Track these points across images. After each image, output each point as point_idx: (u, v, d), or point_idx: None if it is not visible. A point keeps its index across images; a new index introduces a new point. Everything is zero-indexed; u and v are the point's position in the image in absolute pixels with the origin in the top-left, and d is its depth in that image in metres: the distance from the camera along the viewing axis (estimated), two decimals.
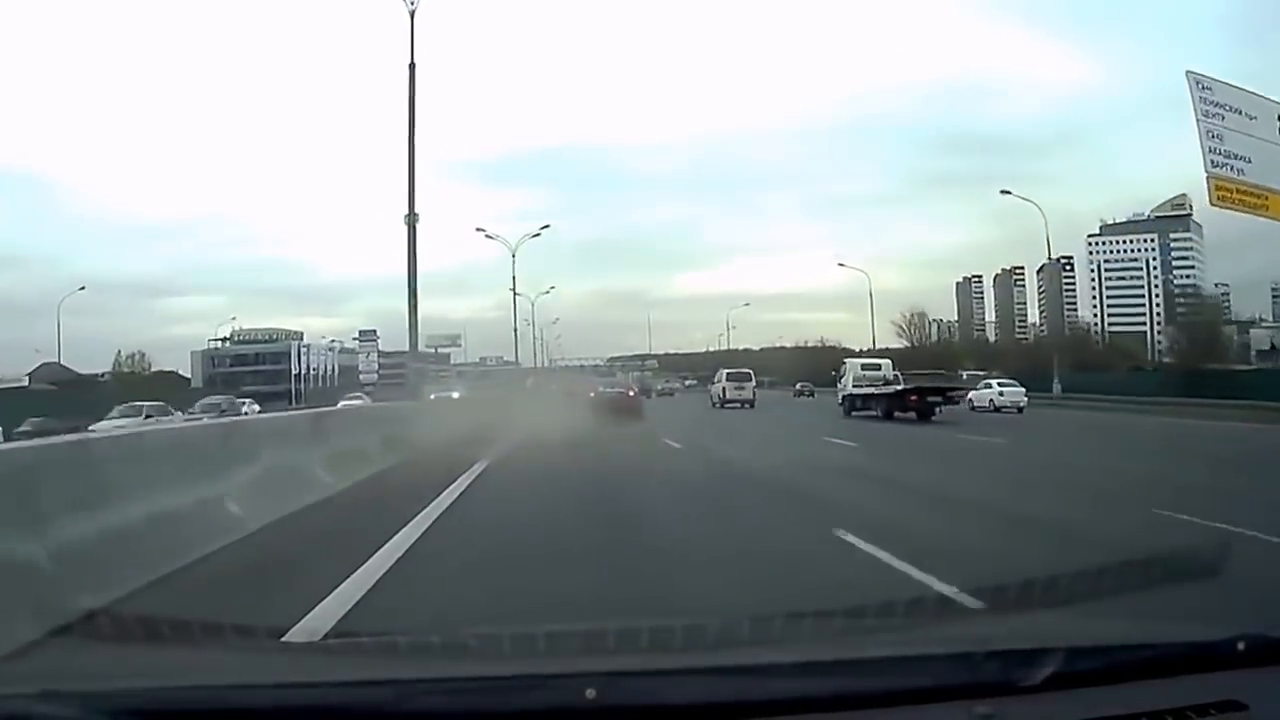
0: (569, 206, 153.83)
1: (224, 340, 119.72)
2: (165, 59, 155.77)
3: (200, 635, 2.43)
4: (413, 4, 22.78)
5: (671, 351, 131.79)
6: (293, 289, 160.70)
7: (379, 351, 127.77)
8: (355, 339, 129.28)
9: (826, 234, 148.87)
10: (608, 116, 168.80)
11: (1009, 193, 47.25)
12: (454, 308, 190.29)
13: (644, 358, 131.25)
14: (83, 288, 71.05)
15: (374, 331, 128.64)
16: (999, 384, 35.07)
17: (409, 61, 22.51)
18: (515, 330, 59.02)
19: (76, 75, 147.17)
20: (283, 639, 3.40)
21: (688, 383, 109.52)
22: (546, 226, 50.46)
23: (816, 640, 2.32)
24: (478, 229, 49.83)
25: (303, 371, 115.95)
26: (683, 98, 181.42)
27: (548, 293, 64.21)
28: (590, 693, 1.59)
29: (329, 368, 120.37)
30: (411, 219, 22.31)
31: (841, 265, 74.47)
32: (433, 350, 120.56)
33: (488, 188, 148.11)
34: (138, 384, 66.50)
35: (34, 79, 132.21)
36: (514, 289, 49.08)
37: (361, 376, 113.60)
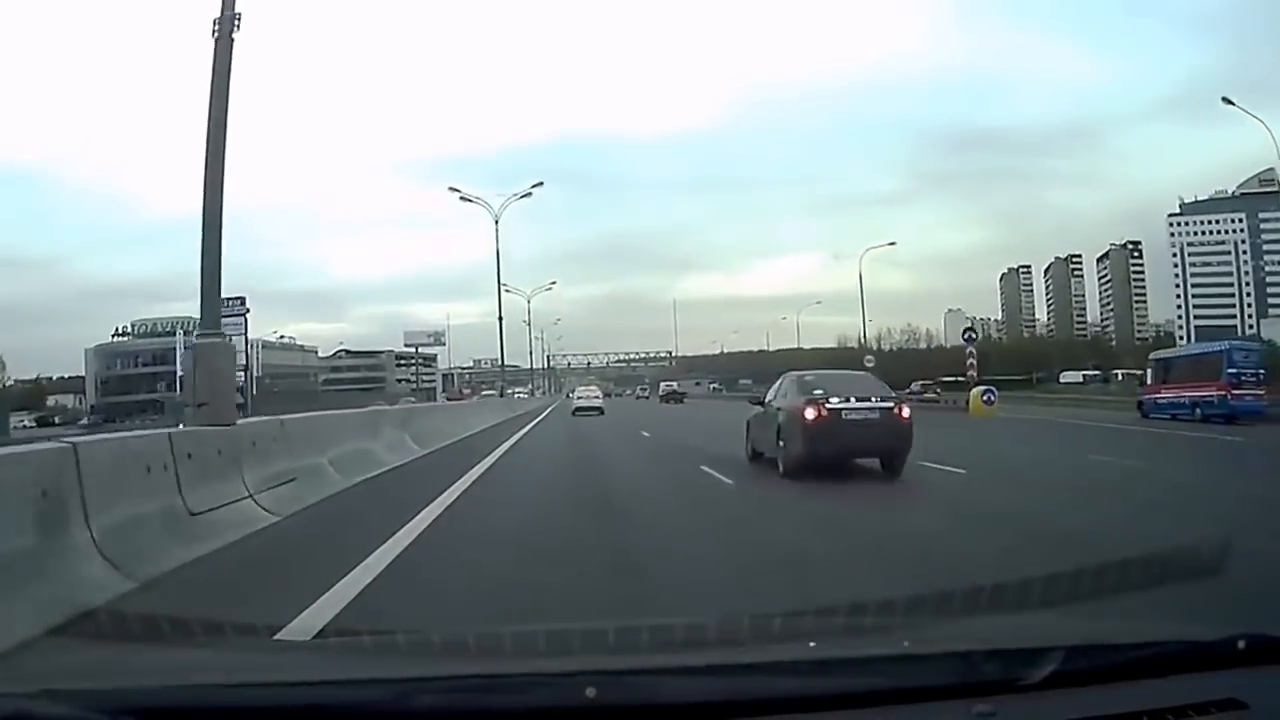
0: (573, 209, 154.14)
1: (124, 334, 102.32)
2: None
3: (200, 634, 2.63)
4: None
5: (689, 354, 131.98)
6: (290, 294, 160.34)
7: (344, 352, 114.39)
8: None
9: (839, 233, 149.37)
10: (611, 117, 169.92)
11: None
12: (456, 311, 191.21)
13: (660, 358, 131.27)
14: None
15: (241, 300, 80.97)
16: None
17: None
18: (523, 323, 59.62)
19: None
20: (282, 638, 3.63)
21: (713, 386, 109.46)
22: (538, 184, 49.16)
23: (816, 638, 2.50)
24: (451, 188, 49.37)
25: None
26: (685, 97, 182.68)
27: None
28: (590, 691, 1.76)
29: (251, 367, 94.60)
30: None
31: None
32: (413, 349, 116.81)
33: (490, 188, 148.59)
34: None
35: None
36: (497, 252, 48.08)
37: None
